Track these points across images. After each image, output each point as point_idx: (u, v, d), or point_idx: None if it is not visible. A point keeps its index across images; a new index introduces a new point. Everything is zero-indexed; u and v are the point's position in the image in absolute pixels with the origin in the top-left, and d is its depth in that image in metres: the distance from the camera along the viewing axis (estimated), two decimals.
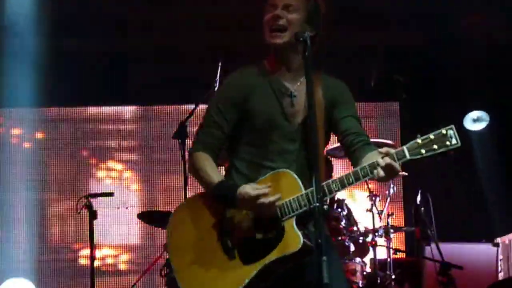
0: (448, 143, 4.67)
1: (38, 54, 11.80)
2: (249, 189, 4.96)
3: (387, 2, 10.83)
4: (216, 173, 5.14)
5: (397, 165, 4.65)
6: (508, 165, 10.93)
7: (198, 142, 5.23)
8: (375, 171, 4.71)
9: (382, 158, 4.70)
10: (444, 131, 4.67)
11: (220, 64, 7.80)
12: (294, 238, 4.90)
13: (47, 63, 11.66)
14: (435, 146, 4.66)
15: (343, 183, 4.85)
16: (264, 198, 4.90)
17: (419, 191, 8.84)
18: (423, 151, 4.67)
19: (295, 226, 4.92)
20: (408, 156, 4.67)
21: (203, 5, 11.29)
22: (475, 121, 11.05)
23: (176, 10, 11.50)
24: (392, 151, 4.70)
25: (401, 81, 8.80)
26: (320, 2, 5.14)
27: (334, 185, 4.86)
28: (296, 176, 5.00)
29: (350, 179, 4.85)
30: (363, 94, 5.02)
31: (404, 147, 4.69)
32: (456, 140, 4.67)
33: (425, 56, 11.31)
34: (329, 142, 5.55)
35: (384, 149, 4.72)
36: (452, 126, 4.66)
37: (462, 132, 10.59)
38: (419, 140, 4.67)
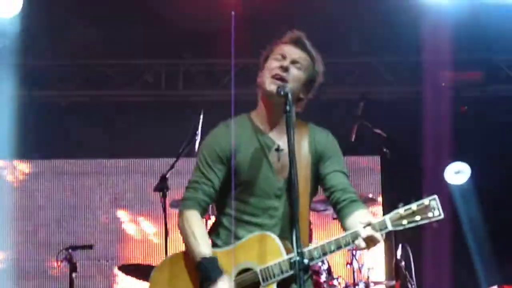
0: (430, 214, 4.65)
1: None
2: (224, 285, 5.06)
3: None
4: (205, 242, 5.17)
5: (378, 235, 4.67)
6: (489, 218, 10.63)
7: (189, 199, 5.20)
8: (356, 241, 4.71)
9: (364, 227, 4.69)
10: (427, 202, 4.66)
11: (201, 113, 7.68)
12: None
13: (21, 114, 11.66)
14: (418, 218, 4.68)
15: (325, 251, 4.87)
16: None
17: (400, 245, 8.70)
18: (405, 222, 4.68)
19: None
20: (390, 227, 4.68)
21: None
22: (457, 173, 10.98)
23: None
24: (375, 221, 4.70)
25: (382, 136, 8.77)
26: (320, 71, 5.13)
27: (315, 252, 4.88)
28: (278, 241, 4.99)
29: (332, 247, 4.84)
30: (342, 147, 4.95)
31: (386, 218, 4.69)
32: (439, 211, 4.64)
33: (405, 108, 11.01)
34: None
35: (366, 220, 4.74)
36: (435, 196, 4.63)
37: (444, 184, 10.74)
38: (401, 211, 4.68)
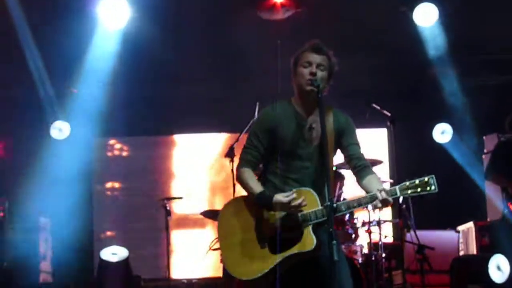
0: (429, 188, 4.82)
1: None
2: (281, 197, 4.93)
3: None
4: (257, 184, 5.18)
5: (390, 199, 4.80)
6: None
7: (242, 160, 5.28)
8: (374, 202, 4.85)
9: (380, 192, 4.81)
10: (426, 179, 4.82)
11: (257, 104, 7.82)
12: (310, 240, 4.97)
13: None
14: (419, 189, 4.83)
15: (349, 206, 4.98)
16: (293, 201, 4.85)
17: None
18: (409, 191, 4.84)
19: (311, 232, 4.97)
20: (398, 194, 4.85)
21: None
22: (442, 133, 10.91)
23: None
24: (387, 189, 4.87)
25: (387, 115, 8.70)
26: (335, 65, 5.14)
27: (342, 206, 4.98)
28: (316, 195, 5.03)
29: (355, 204, 4.95)
30: (357, 124, 5.09)
31: (397, 188, 4.87)
32: (435, 187, 4.81)
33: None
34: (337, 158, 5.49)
35: (381, 186, 4.90)
36: (433, 175, 4.80)
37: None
38: (407, 183, 4.84)
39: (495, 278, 8.02)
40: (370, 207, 7.73)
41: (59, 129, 11.12)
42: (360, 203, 4.95)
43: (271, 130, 5.21)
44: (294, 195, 4.99)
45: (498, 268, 8.16)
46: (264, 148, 5.23)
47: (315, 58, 5.10)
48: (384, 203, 4.82)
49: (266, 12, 10.05)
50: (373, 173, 5.15)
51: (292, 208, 4.96)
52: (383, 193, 4.80)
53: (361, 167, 5.15)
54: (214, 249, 8.66)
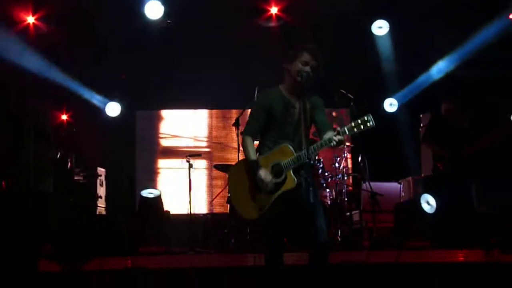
0: (369, 124, 4.83)
1: None
2: (262, 174, 5.15)
3: None
4: (253, 152, 5.34)
5: (341, 137, 4.92)
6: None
7: (247, 130, 5.42)
8: (331, 143, 4.95)
9: (335, 136, 4.95)
10: (366, 118, 4.86)
11: (257, 88, 7.91)
12: (292, 181, 5.14)
13: None
14: (362, 126, 4.86)
15: (315, 147, 5.05)
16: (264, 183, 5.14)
17: (360, 154, 8.84)
18: (355, 129, 4.88)
19: (292, 174, 5.15)
20: (347, 133, 4.92)
21: None
22: (391, 105, 11.06)
23: None
24: (340, 130, 4.96)
25: (350, 97, 8.80)
26: (321, 66, 5.23)
27: (312, 148, 5.06)
28: (291, 148, 5.19)
29: (319, 145, 5.05)
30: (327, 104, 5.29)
31: (345, 127, 4.96)
32: (373, 122, 4.83)
33: None
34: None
35: (336, 131, 5.00)
36: (370, 114, 4.84)
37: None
38: (352, 123, 4.91)
39: (426, 210, 8.11)
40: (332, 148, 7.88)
41: (112, 108, 11.24)
42: (322, 145, 5.02)
43: (266, 109, 5.31)
44: (269, 179, 5.10)
45: (427, 203, 8.29)
46: (262, 122, 5.35)
47: (310, 60, 5.18)
48: (339, 141, 4.91)
49: (264, 21, 10.24)
50: (331, 130, 5.18)
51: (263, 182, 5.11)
52: (337, 135, 4.91)
53: (324, 127, 5.21)
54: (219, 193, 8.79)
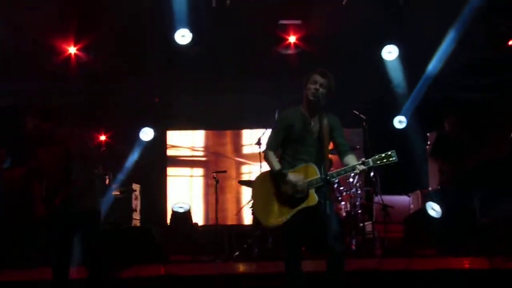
0: (391, 159, 4.97)
1: None
2: (292, 177, 5.14)
3: None
4: (277, 163, 5.30)
5: (365, 168, 5.01)
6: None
7: (269, 146, 5.41)
8: (354, 171, 5.05)
9: (359, 165, 5.02)
10: (389, 152, 4.99)
11: (277, 111, 7.98)
12: (313, 198, 5.15)
13: None
14: (385, 160, 4.99)
15: (338, 174, 5.14)
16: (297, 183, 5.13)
17: (372, 170, 8.89)
18: (378, 162, 5.00)
19: (314, 193, 5.14)
20: (371, 164, 5.01)
21: None
22: (400, 122, 11.01)
23: None
24: (364, 161, 5.03)
25: (363, 118, 8.88)
26: (333, 87, 5.25)
27: (334, 174, 5.14)
28: (316, 168, 5.17)
29: (342, 172, 5.12)
30: (343, 124, 5.35)
31: (370, 159, 5.04)
32: (395, 158, 4.96)
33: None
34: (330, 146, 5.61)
35: (360, 161, 5.05)
36: (394, 150, 4.97)
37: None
38: (377, 156, 5.01)
39: (433, 215, 8.12)
40: (352, 174, 7.93)
41: (146, 133, 11.18)
42: (346, 171, 5.06)
43: (286, 127, 5.30)
44: (299, 179, 5.12)
45: (433, 209, 8.25)
46: (282, 138, 5.32)
47: (320, 79, 5.19)
48: (362, 170, 4.98)
49: (283, 49, 10.37)
50: (351, 153, 5.25)
51: (295, 186, 5.11)
52: (361, 166, 4.96)
53: (344, 150, 5.26)
54: (249, 207, 8.88)
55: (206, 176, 11.84)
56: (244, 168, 12.01)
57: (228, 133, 12.23)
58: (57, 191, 5.75)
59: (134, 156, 10.92)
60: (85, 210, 5.80)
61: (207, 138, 12.20)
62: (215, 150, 12.11)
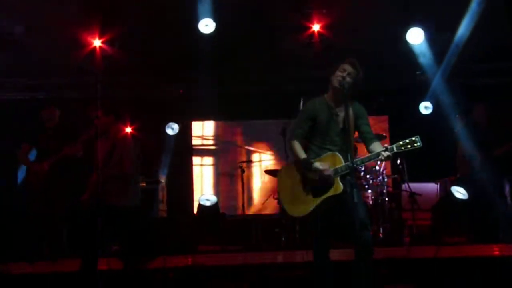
0: (416, 144, 5.00)
1: None
2: (318, 164, 5.18)
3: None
4: (303, 153, 5.36)
5: (390, 154, 5.04)
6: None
7: (293, 135, 5.45)
8: (379, 157, 5.11)
9: (384, 151, 5.05)
10: (414, 138, 5.01)
11: (302, 99, 7.94)
12: (339, 187, 5.21)
13: None
14: (409, 146, 5.03)
15: (363, 161, 5.24)
16: (324, 170, 5.17)
17: (399, 157, 8.77)
18: (403, 148, 5.04)
19: (339, 181, 5.20)
20: (395, 150, 5.05)
21: None
22: (426, 108, 10.79)
23: None
24: (388, 147, 5.06)
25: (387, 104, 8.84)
26: (361, 77, 5.29)
27: (358, 161, 5.23)
28: (341, 156, 5.24)
29: (366, 159, 5.21)
30: (368, 112, 5.32)
31: (394, 146, 5.06)
32: (420, 143, 4.97)
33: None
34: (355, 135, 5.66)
35: (383, 147, 5.11)
36: (418, 136, 4.97)
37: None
38: (401, 142, 5.05)
39: (459, 197, 8.15)
40: (377, 161, 7.86)
41: (172, 128, 11.04)
42: (370, 158, 5.15)
43: (312, 117, 5.40)
44: (327, 166, 5.18)
45: (458, 192, 8.24)
46: (307, 129, 5.42)
47: (349, 68, 5.27)
48: (386, 158, 5.05)
49: (306, 38, 10.20)
50: (376, 141, 5.33)
51: (322, 173, 5.17)
52: (386, 152, 5.02)
53: (369, 138, 5.34)
54: (275, 198, 8.92)
55: (230, 165, 11.72)
56: (266, 158, 11.97)
57: (256, 123, 12.05)
58: (102, 185, 5.87)
59: (159, 148, 10.88)
60: (123, 205, 5.89)
61: (230, 128, 12.11)
62: (238, 140, 12.03)
